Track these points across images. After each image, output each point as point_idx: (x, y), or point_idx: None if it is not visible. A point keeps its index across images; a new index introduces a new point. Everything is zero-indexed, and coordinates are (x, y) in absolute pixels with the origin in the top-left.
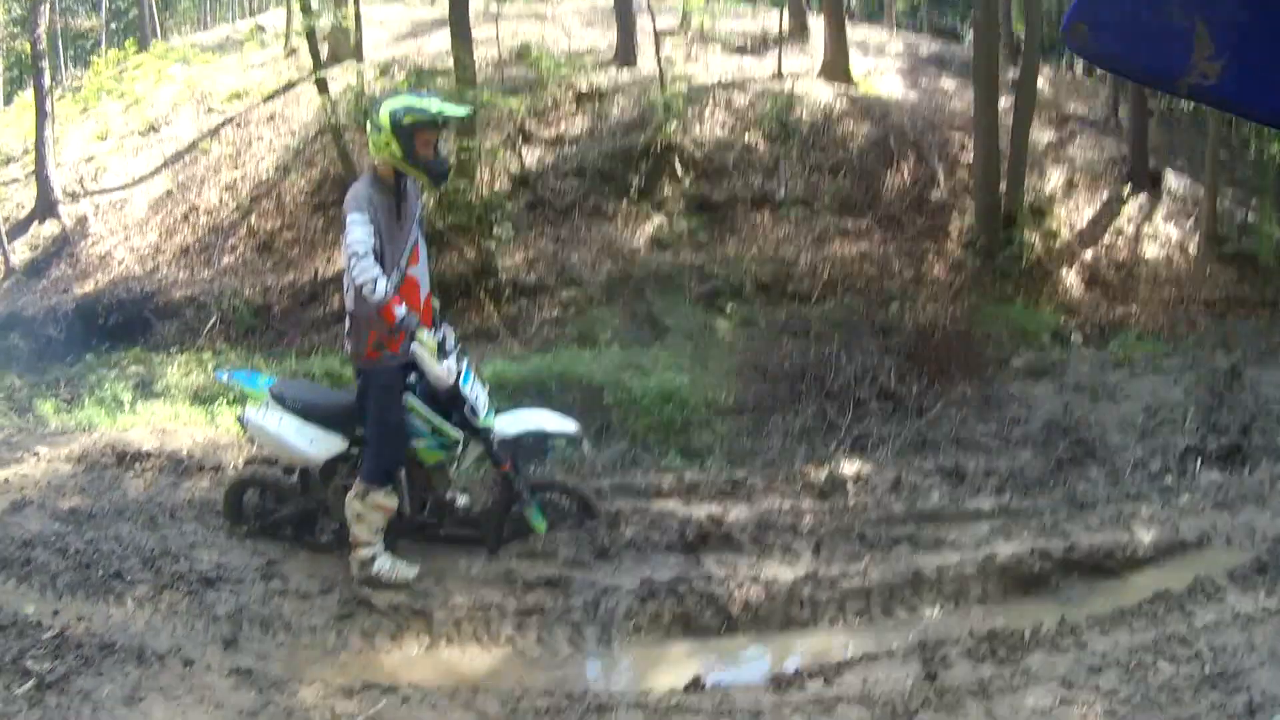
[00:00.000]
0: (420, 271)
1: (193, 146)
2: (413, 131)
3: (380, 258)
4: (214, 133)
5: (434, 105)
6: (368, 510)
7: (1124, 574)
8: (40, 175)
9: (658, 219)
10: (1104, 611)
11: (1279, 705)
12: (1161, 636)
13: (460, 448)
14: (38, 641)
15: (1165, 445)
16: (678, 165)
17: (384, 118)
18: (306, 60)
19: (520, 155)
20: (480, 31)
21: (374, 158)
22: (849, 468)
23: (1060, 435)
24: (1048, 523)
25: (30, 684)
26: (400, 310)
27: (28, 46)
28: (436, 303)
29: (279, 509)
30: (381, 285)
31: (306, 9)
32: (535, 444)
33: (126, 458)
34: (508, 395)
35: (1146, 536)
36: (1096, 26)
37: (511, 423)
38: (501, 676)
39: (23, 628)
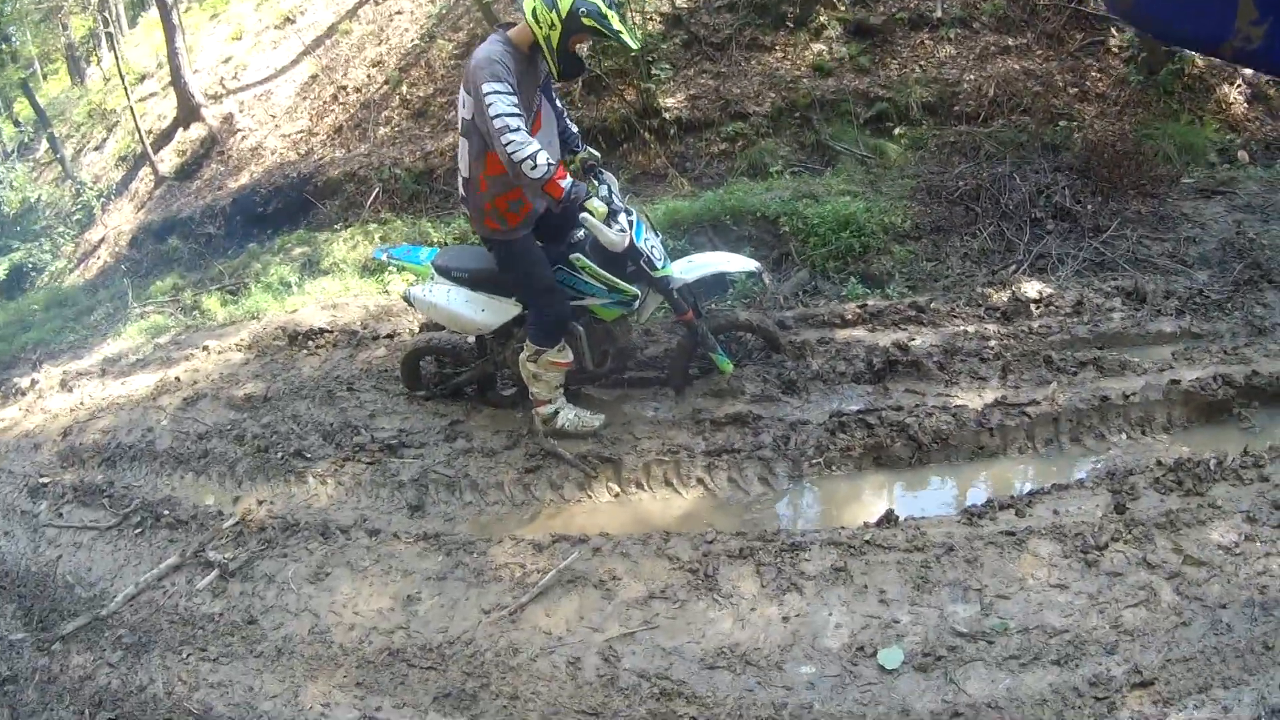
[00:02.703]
0: (545, 139)
1: (332, 30)
2: (581, 29)
3: None
4: (352, 13)
5: (616, 23)
6: (543, 369)
7: None
8: (178, 84)
9: (817, 46)
10: None
11: None
12: None
13: (639, 301)
14: (218, 532)
15: None
16: None
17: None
18: None
19: None
20: None
21: (526, 23)
22: (1030, 289)
23: (1235, 256)
24: (1228, 347)
25: (213, 575)
26: (566, 183)
27: None
28: (590, 151)
29: (457, 373)
30: (543, 159)
31: None
32: (715, 285)
33: (298, 338)
34: (683, 233)
35: None
36: None
37: (689, 268)
38: (693, 519)
39: (202, 520)
